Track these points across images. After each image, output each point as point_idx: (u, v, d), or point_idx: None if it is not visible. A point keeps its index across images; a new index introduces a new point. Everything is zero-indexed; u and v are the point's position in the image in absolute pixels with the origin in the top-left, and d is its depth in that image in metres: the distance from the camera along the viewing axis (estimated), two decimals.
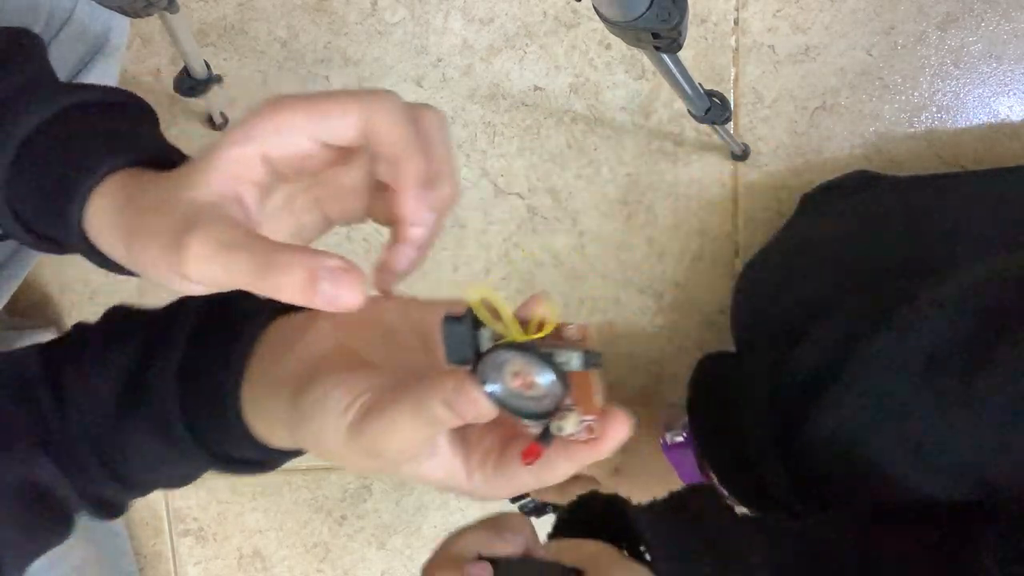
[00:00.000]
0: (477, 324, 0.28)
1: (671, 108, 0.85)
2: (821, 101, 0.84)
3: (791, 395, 0.53)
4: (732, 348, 0.83)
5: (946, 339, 0.46)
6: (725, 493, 0.61)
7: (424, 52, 0.87)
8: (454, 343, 0.29)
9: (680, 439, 0.64)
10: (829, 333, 0.53)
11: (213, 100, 0.85)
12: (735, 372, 0.65)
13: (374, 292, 0.35)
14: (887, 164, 0.84)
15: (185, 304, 0.40)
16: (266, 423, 0.36)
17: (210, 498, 0.99)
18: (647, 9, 0.45)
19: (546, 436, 0.29)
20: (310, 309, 0.33)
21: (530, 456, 0.29)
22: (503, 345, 0.28)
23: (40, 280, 0.95)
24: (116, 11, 0.54)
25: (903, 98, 0.83)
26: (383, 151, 0.32)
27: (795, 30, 0.83)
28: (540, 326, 0.28)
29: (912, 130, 0.84)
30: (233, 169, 0.32)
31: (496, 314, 0.28)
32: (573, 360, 0.28)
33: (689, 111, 0.73)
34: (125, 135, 0.39)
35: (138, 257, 0.33)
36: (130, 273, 0.39)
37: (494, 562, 0.36)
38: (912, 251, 0.60)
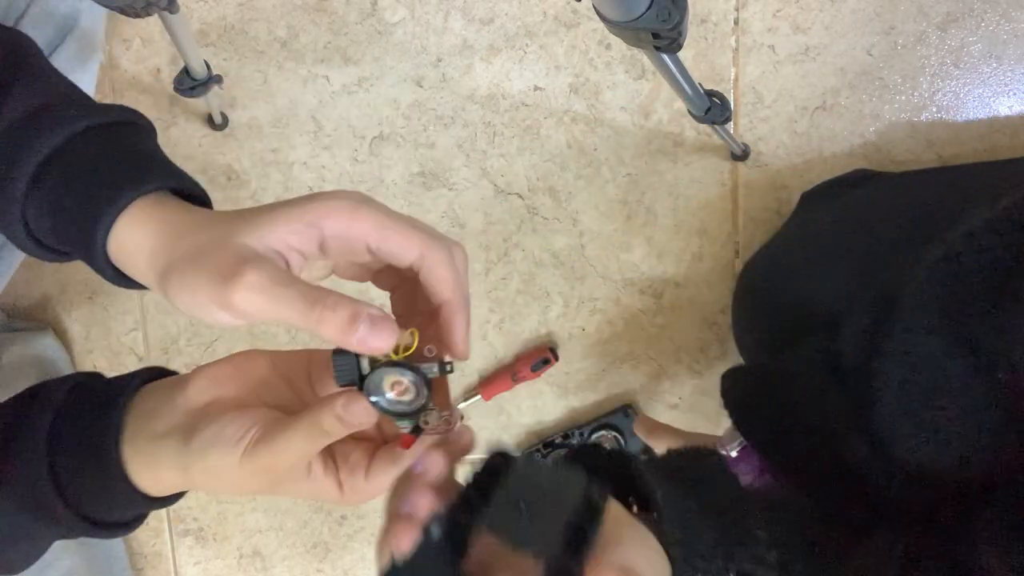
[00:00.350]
0: (359, 353, 0.37)
1: (671, 108, 0.85)
2: (821, 101, 0.84)
3: (851, 367, 0.52)
4: (732, 348, 0.83)
5: (1004, 263, 0.45)
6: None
7: (424, 52, 0.87)
8: (342, 370, 0.37)
9: (735, 454, 0.63)
10: (871, 300, 0.52)
11: (213, 100, 0.85)
12: (775, 374, 0.63)
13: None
14: (887, 164, 0.84)
15: (44, 387, 0.42)
16: (151, 472, 0.40)
17: (210, 498, 0.99)
18: (647, 9, 0.45)
19: (416, 430, 0.39)
20: (178, 374, 0.41)
21: (406, 444, 0.39)
22: (381, 364, 0.37)
23: (40, 280, 0.96)
24: (116, 11, 0.54)
25: (903, 98, 0.83)
26: (433, 290, 0.39)
27: (795, 30, 0.83)
28: (407, 349, 0.37)
29: (912, 130, 0.84)
30: (291, 240, 0.37)
31: None
32: (433, 369, 0.38)
33: (689, 111, 0.73)
34: (145, 160, 0.42)
35: (176, 283, 0.37)
36: (139, 287, 0.41)
37: (505, 458, 0.36)
38: (914, 238, 0.60)
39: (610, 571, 0.33)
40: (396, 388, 0.38)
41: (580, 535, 0.34)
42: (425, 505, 0.35)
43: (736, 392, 0.60)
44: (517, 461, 0.36)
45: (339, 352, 0.37)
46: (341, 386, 0.38)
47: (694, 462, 0.47)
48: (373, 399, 0.37)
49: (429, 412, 0.39)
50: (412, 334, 0.37)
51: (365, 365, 0.37)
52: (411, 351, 0.37)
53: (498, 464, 0.36)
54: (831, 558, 0.46)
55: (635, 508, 0.44)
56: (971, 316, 0.45)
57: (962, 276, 0.46)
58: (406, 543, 0.34)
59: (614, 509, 0.39)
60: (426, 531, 0.33)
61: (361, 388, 0.37)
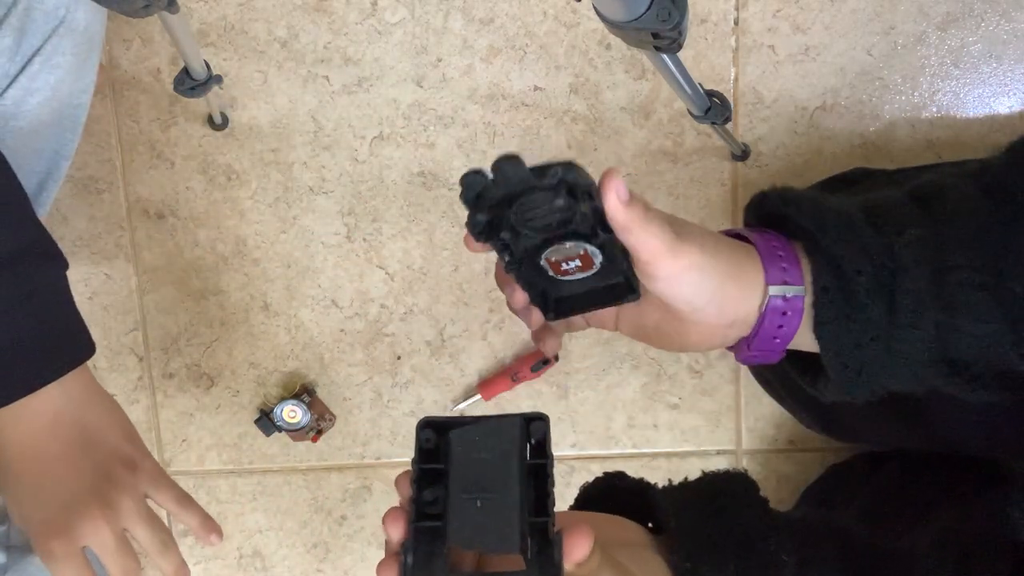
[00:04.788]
0: None
1: (671, 108, 0.85)
2: (821, 101, 0.84)
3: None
4: None
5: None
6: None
7: (424, 52, 0.87)
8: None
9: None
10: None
11: (213, 100, 0.85)
12: None
13: None
14: (887, 164, 0.84)
15: None
16: None
17: (210, 498, 0.99)
18: (647, 9, 0.45)
19: None
20: None
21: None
22: None
23: None
24: (116, 11, 0.54)
25: (903, 98, 0.83)
26: None
27: (795, 30, 0.83)
28: None
29: (912, 130, 0.84)
30: None
31: None
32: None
33: (689, 111, 0.73)
34: None
35: None
36: None
37: (440, 428, 0.35)
38: None
39: (582, 533, 0.32)
40: None
41: (540, 499, 0.34)
42: (396, 534, 0.35)
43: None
44: (452, 442, 0.34)
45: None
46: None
47: (720, 487, 0.46)
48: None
49: None
50: None
51: None
52: None
53: (433, 446, 0.35)
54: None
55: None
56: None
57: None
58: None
59: (626, 530, 0.38)
60: (402, 562, 0.34)
61: None
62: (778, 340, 0.45)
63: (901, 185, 0.69)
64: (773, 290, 0.44)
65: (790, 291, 0.44)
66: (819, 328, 0.44)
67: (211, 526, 0.63)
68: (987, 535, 0.47)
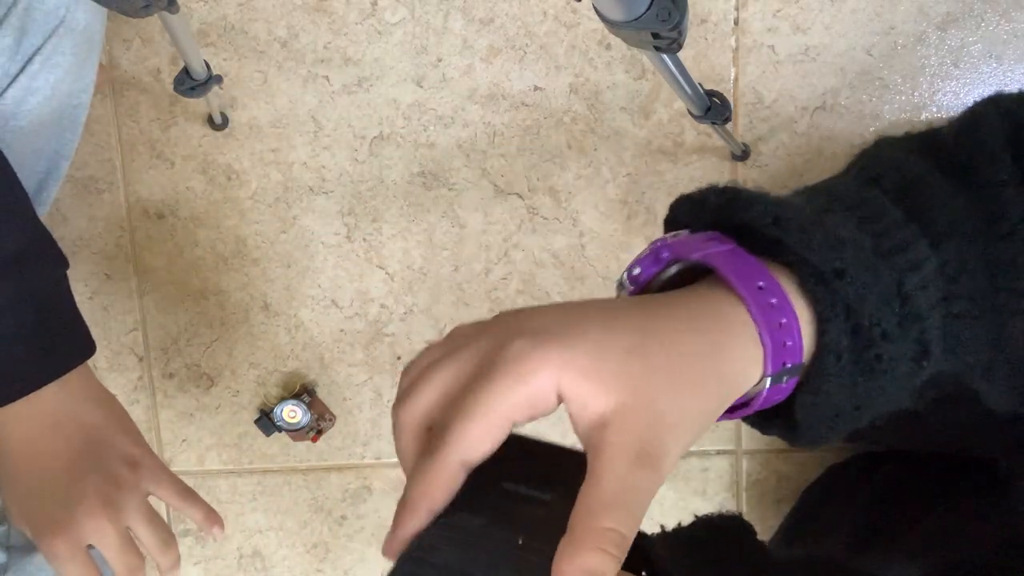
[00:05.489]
0: None
1: (671, 108, 0.85)
2: (821, 101, 0.84)
3: None
4: None
5: None
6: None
7: (424, 52, 0.87)
8: None
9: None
10: None
11: (213, 100, 0.85)
12: None
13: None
14: None
15: None
16: None
17: (210, 498, 0.99)
18: (647, 9, 0.45)
19: None
20: None
21: None
22: None
23: None
24: (116, 11, 0.54)
25: (903, 98, 0.83)
26: None
27: (795, 30, 0.83)
28: None
29: (912, 130, 0.84)
30: None
31: None
32: None
33: (689, 111, 0.73)
34: None
35: None
36: None
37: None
38: None
39: None
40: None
41: None
42: None
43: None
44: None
45: None
46: None
47: (717, 533, 0.44)
48: None
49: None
50: None
51: None
52: None
53: None
54: None
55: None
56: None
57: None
58: None
59: None
60: None
61: None
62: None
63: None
64: (774, 379, 0.33)
65: (791, 374, 0.33)
66: (814, 397, 0.34)
67: (214, 519, 0.64)
68: (983, 547, 0.46)
